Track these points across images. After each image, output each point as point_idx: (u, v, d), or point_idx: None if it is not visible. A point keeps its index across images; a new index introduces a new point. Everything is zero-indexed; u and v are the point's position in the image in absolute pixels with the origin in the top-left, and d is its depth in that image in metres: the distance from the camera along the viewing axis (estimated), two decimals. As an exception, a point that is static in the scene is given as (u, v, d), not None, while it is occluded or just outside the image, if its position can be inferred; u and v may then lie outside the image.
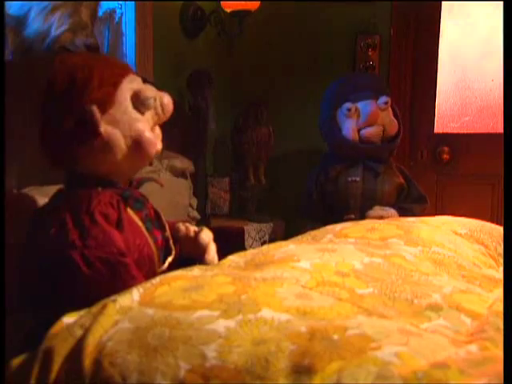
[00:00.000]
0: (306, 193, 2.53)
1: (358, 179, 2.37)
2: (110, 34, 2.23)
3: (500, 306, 0.93)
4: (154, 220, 1.22)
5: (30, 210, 1.23)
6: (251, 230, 2.54)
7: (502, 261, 1.32)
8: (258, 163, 2.73)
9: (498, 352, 0.78)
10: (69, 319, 0.90)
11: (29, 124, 1.16)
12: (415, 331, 0.83)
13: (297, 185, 2.86)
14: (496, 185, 2.73)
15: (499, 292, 1.05)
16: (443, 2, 2.75)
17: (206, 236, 1.30)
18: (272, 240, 2.61)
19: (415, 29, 2.77)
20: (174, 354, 0.77)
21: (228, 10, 2.57)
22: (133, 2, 2.26)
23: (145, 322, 0.84)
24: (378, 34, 2.78)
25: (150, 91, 1.15)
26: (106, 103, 1.10)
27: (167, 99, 1.19)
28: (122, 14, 2.26)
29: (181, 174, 2.15)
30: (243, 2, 2.51)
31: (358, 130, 2.36)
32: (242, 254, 1.22)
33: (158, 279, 1.00)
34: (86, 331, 0.85)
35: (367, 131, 2.36)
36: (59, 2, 1.63)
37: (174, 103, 1.22)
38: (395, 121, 2.38)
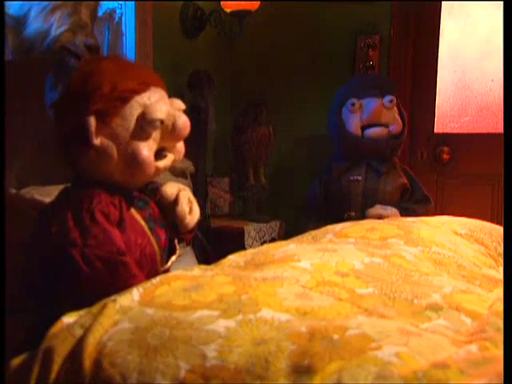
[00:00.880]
0: (311, 192, 2.54)
1: (359, 178, 2.38)
2: (110, 34, 2.23)
3: (500, 306, 0.93)
4: (158, 219, 1.21)
5: (27, 211, 1.23)
6: (251, 229, 2.54)
7: (501, 261, 1.32)
8: (258, 163, 2.73)
9: (498, 352, 0.78)
10: (69, 319, 0.90)
11: (29, 124, 1.16)
12: (415, 331, 0.83)
13: (297, 185, 2.87)
14: (496, 185, 2.73)
15: (499, 292, 1.05)
16: (443, 2, 2.75)
17: (171, 188, 1.25)
18: (272, 240, 2.61)
19: (415, 29, 2.77)
20: (173, 354, 0.77)
21: (228, 10, 2.57)
22: (133, 2, 2.26)
23: (145, 321, 0.84)
24: (378, 34, 2.78)
25: (159, 112, 1.11)
26: (109, 115, 1.08)
27: (182, 121, 1.15)
28: (122, 14, 2.26)
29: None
30: (243, 2, 2.51)
31: (362, 127, 2.38)
32: (242, 253, 1.22)
33: (158, 279, 1.00)
34: (86, 331, 0.85)
35: (371, 131, 2.37)
36: (59, 2, 1.63)
37: (191, 123, 1.19)
38: (399, 120, 2.39)
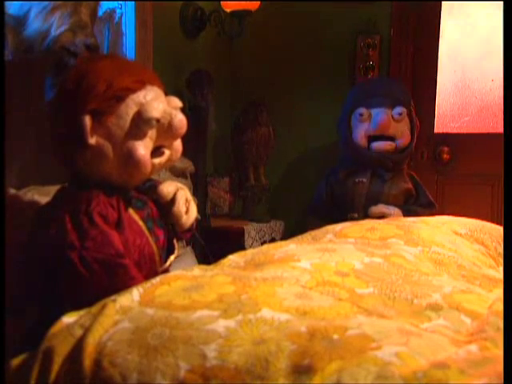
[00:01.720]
0: (317, 193, 2.55)
1: (364, 180, 2.39)
2: (110, 34, 2.23)
3: (500, 306, 0.93)
4: (156, 219, 1.21)
5: (26, 211, 1.23)
6: (251, 230, 2.54)
7: (501, 261, 1.32)
8: (258, 163, 2.73)
9: (498, 352, 0.78)
10: (69, 319, 0.90)
11: (29, 124, 1.16)
12: (415, 331, 0.83)
13: (297, 185, 2.87)
14: (496, 185, 2.73)
15: (499, 292, 1.05)
16: (443, 2, 2.75)
17: (168, 187, 1.23)
18: (272, 240, 2.61)
19: (415, 29, 2.77)
20: (173, 354, 0.77)
21: (228, 10, 2.57)
22: (133, 2, 2.26)
23: (145, 321, 0.84)
24: (378, 34, 2.78)
25: (155, 111, 1.11)
26: (104, 114, 1.08)
27: (178, 120, 1.14)
28: (122, 13, 2.26)
29: (181, 173, 2.15)
30: (243, 2, 2.51)
31: (369, 137, 2.37)
32: (242, 253, 1.22)
33: (158, 279, 1.00)
34: (86, 331, 0.85)
35: (377, 144, 2.36)
36: (59, 2, 1.63)
37: (188, 121, 1.18)
38: (407, 133, 2.37)
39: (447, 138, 2.84)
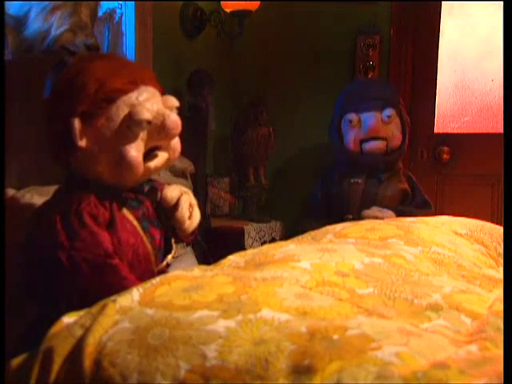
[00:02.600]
0: (313, 193, 2.55)
1: (359, 181, 2.40)
2: (110, 34, 2.23)
3: (500, 306, 0.93)
4: (152, 219, 1.21)
5: (26, 211, 1.23)
6: (251, 230, 2.54)
7: (502, 261, 1.32)
8: (258, 163, 2.73)
9: (498, 352, 0.78)
10: (69, 319, 0.90)
11: (29, 124, 1.16)
12: (415, 331, 0.83)
13: (297, 185, 2.87)
14: (496, 185, 2.73)
15: (499, 292, 1.05)
16: (443, 2, 2.75)
17: (172, 191, 1.23)
18: (272, 240, 2.61)
19: (415, 29, 2.77)
20: (174, 354, 0.77)
21: (228, 10, 2.57)
22: (133, 2, 2.26)
23: (145, 322, 0.84)
24: (378, 33, 2.78)
25: (146, 112, 1.09)
26: (94, 116, 1.07)
27: (171, 120, 1.13)
28: (122, 13, 2.26)
29: (181, 174, 2.15)
30: (243, 2, 2.51)
31: (361, 141, 2.38)
32: (242, 253, 1.22)
33: (158, 279, 1.00)
34: (86, 331, 0.85)
35: (369, 145, 2.38)
36: (59, 2, 1.63)
37: (182, 122, 1.17)
38: (398, 134, 2.39)
39: (447, 138, 2.84)
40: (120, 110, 1.09)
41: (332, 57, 2.85)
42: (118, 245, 1.09)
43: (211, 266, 1.14)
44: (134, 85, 1.11)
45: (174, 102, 1.17)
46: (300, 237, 1.41)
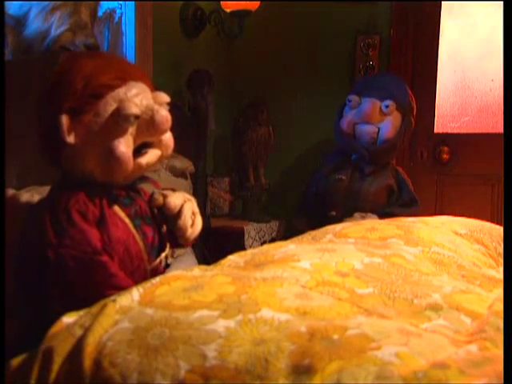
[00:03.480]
0: (305, 192, 2.56)
1: (343, 177, 2.41)
2: (110, 34, 2.23)
3: (500, 306, 0.93)
4: (145, 216, 1.20)
5: (22, 212, 1.23)
6: (251, 230, 2.54)
7: (502, 261, 1.32)
8: (258, 163, 2.73)
9: (498, 352, 0.78)
10: (69, 319, 0.90)
11: (29, 124, 1.16)
12: (415, 331, 0.83)
13: (297, 185, 2.87)
14: (496, 185, 2.73)
15: (499, 292, 1.05)
16: (443, 2, 2.75)
17: (176, 199, 1.21)
18: (272, 240, 2.61)
19: (415, 29, 2.77)
20: (173, 354, 0.77)
21: (228, 10, 2.57)
22: (133, 2, 2.26)
23: (145, 321, 0.84)
24: (378, 34, 2.78)
25: (134, 107, 1.09)
26: (82, 113, 1.07)
27: (160, 115, 1.12)
28: (122, 13, 2.26)
29: (181, 174, 2.15)
30: (243, 2, 2.51)
31: (354, 125, 2.40)
32: (242, 253, 1.22)
33: (158, 279, 1.00)
34: (86, 331, 0.85)
35: (361, 128, 2.39)
36: (59, 2, 1.63)
37: (173, 116, 1.16)
38: (392, 128, 2.39)
39: (447, 138, 2.84)
40: (108, 105, 1.08)
41: (332, 57, 2.86)
42: (109, 242, 1.08)
43: (211, 266, 1.14)
44: (123, 80, 1.11)
45: (164, 97, 1.16)
46: (300, 237, 1.41)
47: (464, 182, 2.80)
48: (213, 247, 2.30)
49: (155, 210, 1.22)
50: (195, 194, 2.32)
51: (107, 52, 2.19)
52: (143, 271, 1.14)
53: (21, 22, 1.63)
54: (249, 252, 1.23)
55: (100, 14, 2.00)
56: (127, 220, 1.15)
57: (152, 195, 1.21)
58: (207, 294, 0.91)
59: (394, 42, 2.78)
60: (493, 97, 2.80)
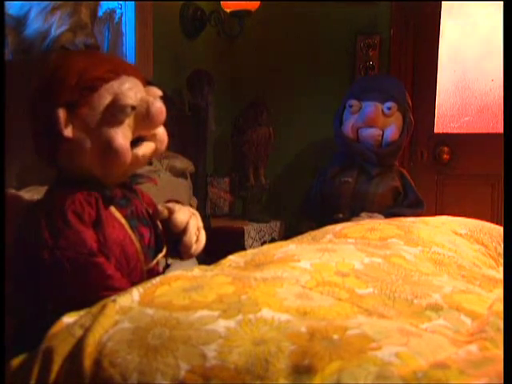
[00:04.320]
0: (308, 194, 2.56)
1: (350, 180, 2.41)
2: (110, 34, 2.23)
3: (500, 306, 0.93)
4: (142, 217, 1.20)
5: (22, 212, 1.23)
6: (251, 230, 2.54)
7: (502, 261, 1.32)
8: (258, 163, 2.73)
9: (498, 352, 0.78)
10: (69, 319, 0.90)
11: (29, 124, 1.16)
12: (415, 331, 0.83)
13: (297, 185, 2.87)
14: (496, 185, 2.73)
15: (499, 292, 1.05)
16: (443, 2, 2.75)
17: (182, 215, 1.22)
18: (272, 240, 2.61)
19: (415, 29, 2.77)
20: (173, 354, 0.77)
21: (228, 10, 2.57)
22: (133, 2, 2.26)
23: (145, 322, 0.84)
24: (378, 34, 2.78)
25: (130, 99, 1.09)
26: (78, 106, 1.07)
27: (156, 107, 1.12)
28: (121, 13, 2.26)
29: (181, 174, 2.15)
30: (243, 2, 2.51)
31: (358, 129, 2.39)
32: (242, 253, 1.22)
33: (158, 279, 1.00)
34: (86, 331, 0.85)
35: (365, 132, 2.39)
36: (59, 2, 1.63)
37: (168, 109, 1.17)
38: (396, 130, 2.38)
39: (447, 138, 2.84)
40: (103, 97, 1.09)
41: (332, 57, 2.86)
42: (105, 243, 1.08)
43: (211, 266, 1.14)
44: (116, 74, 1.11)
45: (157, 91, 1.17)
46: (300, 237, 1.41)
47: (464, 182, 2.80)
48: (213, 247, 2.29)
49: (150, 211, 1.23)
50: (195, 193, 2.32)
51: (121, 55, 2.20)
52: (140, 272, 1.14)
53: (21, 22, 1.63)
54: (249, 252, 1.23)
55: (100, 14, 2.00)
56: (123, 221, 1.14)
57: (156, 208, 1.21)
58: (207, 294, 0.91)
59: (394, 42, 2.78)
60: (493, 97, 2.80)
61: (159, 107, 1.13)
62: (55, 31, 1.62)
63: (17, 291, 1.10)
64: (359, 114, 2.39)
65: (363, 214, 2.29)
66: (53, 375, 0.82)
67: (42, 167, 1.20)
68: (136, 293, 0.94)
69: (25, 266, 1.07)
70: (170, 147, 2.13)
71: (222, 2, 2.57)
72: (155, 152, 1.18)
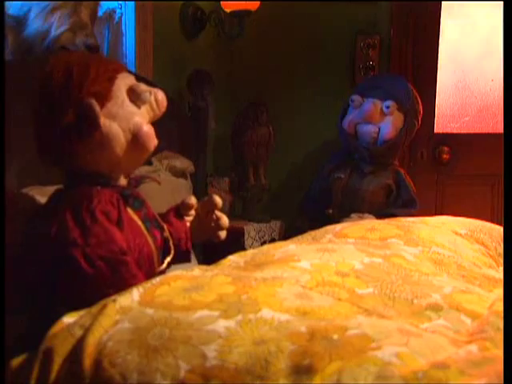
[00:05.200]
0: (308, 191, 2.57)
1: (342, 176, 2.42)
2: (110, 34, 2.23)
3: (500, 306, 0.93)
4: (153, 220, 1.22)
5: (29, 209, 1.23)
6: (251, 230, 2.54)
7: (502, 261, 1.32)
8: (258, 163, 2.73)
9: (498, 352, 0.78)
10: (69, 319, 0.90)
11: (29, 124, 1.16)
12: (415, 331, 0.83)
13: (297, 185, 2.87)
14: (496, 185, 2.73)
15: (499, 292, 1.05)
16: (443, 2, 2.75)
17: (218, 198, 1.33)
18: (272, 240, 2.61)
19: (415, 29, 2.77)
20: (174, 354, 0.77)
21: (228, 10, 2.56)
22: (133, 2, 2.26)
23: (145, 321, 0.84)
24: (378, 34, 2.78)
25: (144, 86, 1.15)
26: (104, 97, 1.09)
27: (161, 95, 1.18)
28: (121, 14, 2.26)
29: (181, 174, 2.15)
30: (243, 2, 2.51)
31: (356, 125, 2.40)
32: (242, 253, 1.22)
33: (158, 279, 1.00)
34: (86, 331, 0.85)
35: (362, 128, 2.40)
36: (59, 2, 1.63)
37: (168, 100, 1.21)
38: (393, 129, 2.38)
39: (447, 138, 2.84)
40: (121, 86, 1.13)
41: (332, 57, 2.85)
42: (127, 243, 1.09)
43: (211, 266, 1.14)
44: (120, 68, 1.16)
45: (146, 86, 1.20)
46: (300, 237, 1.41)
47: (464, 182, 2.80)
48: (213, 247, 2.29)
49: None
50: (195, 193, 2.32)
51: (121, 55, 2.23)
52: (153, 274, 1.14)
53: (21, 22, 1.63)
54: (249, 252, 1.23)
55: (100, 14, 2.00)
56: (140, 223, 1.16)
57: (211, 196, 1.32)
58: (207, 294, 0.91)
59: (394, 42, 2.77)
60: (493, 97, 2.80)
61: (163, 95, 1.19)
62: (55, 31, 1.62)
63: (26, 293, 1.09)
64: (359, 110, 2.41)
65: (353, 215, 2.29)
66: (53, 375, 0.82)
67: (46, 167, 1.20)
68: (136, 293, 0.94)
69: (40, 267, 1.06)
70: (170, 147, 2.14)
71: (221, 2, 2.57)
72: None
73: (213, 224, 1.33)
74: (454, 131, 2.86)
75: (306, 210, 2.54)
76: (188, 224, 1.34)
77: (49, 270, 1.05)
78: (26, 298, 1.10)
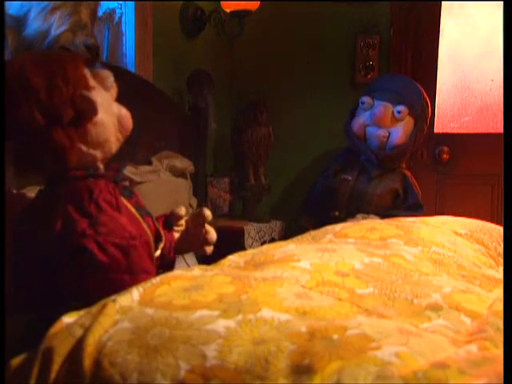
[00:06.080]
0: (311, 190, 2.57)
1: (349, 178, 2.40)
2: (110, 34, 2.23)
3: (500, 306, 0.93)
4: (143, 207, 1.23)
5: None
6: (251, 229, 2.54)
7: (502, 261, 1.32)
8: (258, 163, 2.73)
9: (498, 352, 0.78)
10: (69, 319, 0.90)
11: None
12: (415, 331, 0.83)
13: (297, 185, 2.87)
14: (496, 185, 2.73)
15: (499, 292, 1.05)
16: (443, 2, 2.75)
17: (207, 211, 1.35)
18: (272, 240, 2.61)
19: (415, 29, 2.77)
20: (173, 354, 0.77)
21: (228, 10, 2.57)
22: (133, 2, 2.26)
23: (145, 321, 0.84)
24: (378, 34, 2.78)
25: (104, 70, 1.17)
26: (89, 89, 1.11)
27: (107, 73, 1.19)
28: (121, 14, 2.26)
29: (181, 174, 2.15)
30: (243, 2, 2.51)
31: (366, 127, 2.39)
32: (242, 253, 1.22)
33: (158, 279, 1.00)
34: (86, 331, 0.84)
35: (371, 131, 2.38)
36: (59, 2, 1.63)
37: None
38: (403, 134, 2.36)
39: (447, 138, 2.84)
40: (92, 78, 1.14)
41: (332, 57, 2.86)
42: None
43: (211, 266, 1.14)
44: (79, 60, 1.17)
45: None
46: (300, 237, 1.41)
47: (464, 182, 2.80)
48: (213, 247, 2.29)
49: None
50: (195, 193, 2.32)
51: (121, 55, 2.23)
52: (153, 259, 1.17)
53: (21, 22, 1.62)
54: (249, 252, 1.23)
55: (100, 13, 2.00)
56: (134, 210, 1.16)
57: (202, 209, 1.33)
58: (207, 294, 0.91)
59: (394, 42, 2.77)
60: (493, 97, 2.80)
61: (109, 73, 1.20)
62: (55, 31, 1.62)
63: (27, 292, 1.09)
64: (369, 112, 2.38)
65: (359, 216, 2.29)
66: (53, 375, 0.82)
67: (30, 176, 1.21)
68: (136, 292, 0.94)
69: (43, 266, 1.06)
70: (170, 147, 2.14)
71: (222, 2, 2.57)
72: None
73: (201, 238, 1.33)
74: (454, 131, 2.86)
75: (309, 210, 2.53)
76: (177, 235, 1.34)
77: (60, 265, 1.05)
78: (25, 298, 1.10)
